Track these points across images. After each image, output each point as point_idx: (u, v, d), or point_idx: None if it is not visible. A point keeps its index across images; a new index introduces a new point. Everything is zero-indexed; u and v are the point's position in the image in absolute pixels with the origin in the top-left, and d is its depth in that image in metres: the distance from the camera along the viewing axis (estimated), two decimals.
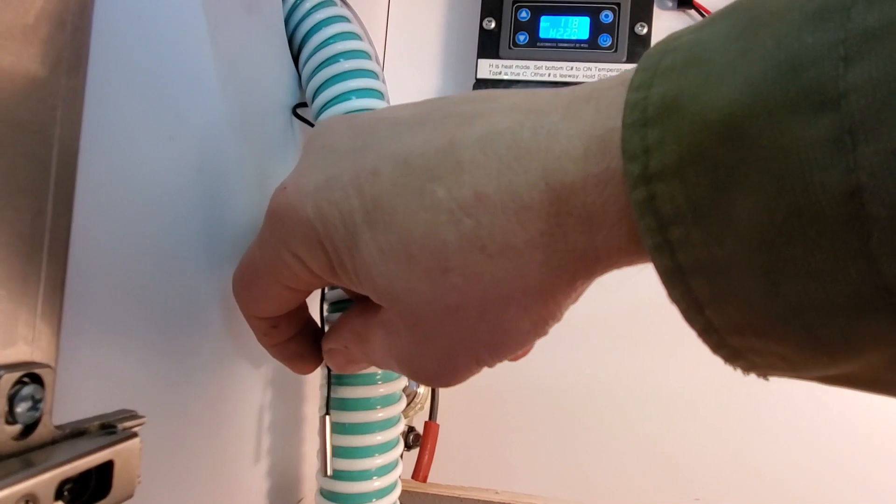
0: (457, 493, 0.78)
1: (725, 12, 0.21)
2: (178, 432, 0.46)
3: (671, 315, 0.76)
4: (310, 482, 0.63)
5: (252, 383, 0.56)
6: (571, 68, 0.75)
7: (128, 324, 0.38)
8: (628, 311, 0.76)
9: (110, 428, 0.28)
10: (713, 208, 0.20)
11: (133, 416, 0.29)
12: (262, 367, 0.57)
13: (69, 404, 0.33)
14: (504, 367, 0.77)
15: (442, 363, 0.30)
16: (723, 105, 0.19)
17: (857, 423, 0.71)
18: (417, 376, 0.33)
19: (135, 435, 0.28)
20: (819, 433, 0.71)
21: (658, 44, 0.23)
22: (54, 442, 0.25)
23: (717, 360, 0.74)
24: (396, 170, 0.26)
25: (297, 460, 0.63)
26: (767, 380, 0.26)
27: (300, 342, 0.43)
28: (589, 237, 0.25)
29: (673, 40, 0.22)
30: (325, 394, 0.54)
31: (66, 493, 0.26)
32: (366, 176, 0.26)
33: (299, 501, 0.66)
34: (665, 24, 0.79)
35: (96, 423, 0.28)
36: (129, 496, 0.28)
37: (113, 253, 0.37)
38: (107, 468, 0.26)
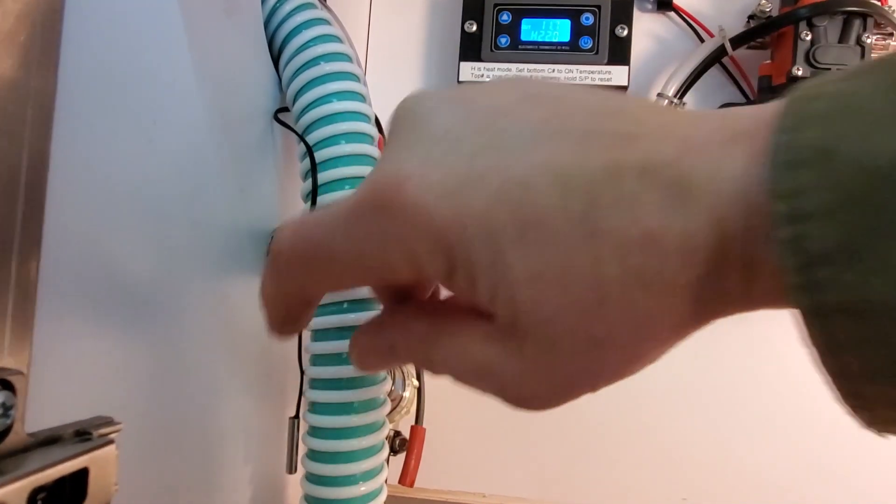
0: (444, 497, 0.78)
1: (871, 67, 0.22)
2: (160, 438, 0.45)
3: None
4: (295, 488, 0.62)
5: (235, 388, 0.56)
6: (553, 70, 0.75)
7: (104, 328, 0.38)
8: None
9: (85, 435, 0.27)
10: (870, 252, 0.20)
11: (109, 422, 0.29)
12: (245, 372, 0.57)
13: (43, 411, 0.33)
14: None
15: (557, 389, 0.29)
16: (887, 152, 0.20)
17: (846, 424, 0.71)
18: (514, 397, 0.30)
19: (111, 442, 0.27)
20: (806, 434, 0.71)
21: (796, 90, 0.23)
22: (26, 450, 0.25)
23: (705, 362, 0.74)
24: (554, 188, 0.24)
25: (282, 466, 0.62)
26: (885, 437, 0.26)
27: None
28: (743, 281, 0.25)
29: (815, 87, 0.23)
30: (298, 396, 0.54)
31: (39, 502, 0.25)
32: (516, 188, 0.24)
33: None
34: (645, 25, 0.80)
35: (71, 429, 0.27)
36: None
37: (89, 257, 0.36)
38: (82, 476, 0.26)
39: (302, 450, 0.55)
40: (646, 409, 0.74)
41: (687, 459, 0.73)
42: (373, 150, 0.55)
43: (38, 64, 0.25)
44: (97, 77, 0.35)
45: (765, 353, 0.73)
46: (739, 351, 0.73)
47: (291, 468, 0.61)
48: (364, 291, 0.53)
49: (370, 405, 0.53)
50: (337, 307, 0.52)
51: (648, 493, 0.74)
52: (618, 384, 0.78)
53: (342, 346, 0.52)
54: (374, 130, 0.56)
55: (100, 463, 0.26)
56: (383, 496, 0.55)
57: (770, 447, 0.72)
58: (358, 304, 0.52)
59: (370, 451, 0.53)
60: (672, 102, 0.72)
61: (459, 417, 0.77)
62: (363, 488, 0.53)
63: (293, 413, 0.61)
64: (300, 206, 0.57)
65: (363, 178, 0.54)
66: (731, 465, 0.73)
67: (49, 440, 0.26)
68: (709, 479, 0.73)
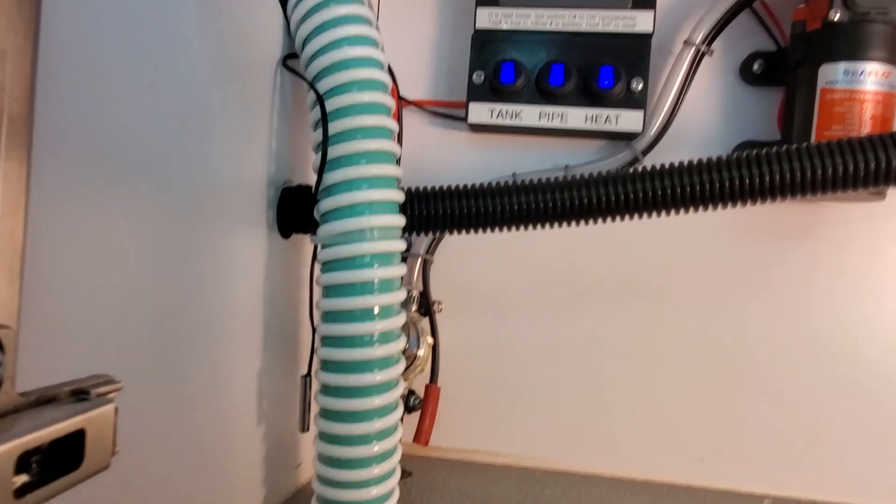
0: (459, 455, 0.77)
1: None
2: (172, 397, 0.44)
3: (675, 276, 0.74)
4: (308, 447, 0.61)
5: (245, 345, 0.54)
6: (574, 16, 0.71)
7: (108, 284, 0.36)
8: (631, 272, 0.74)
9: (82, 394, 0.26)
10: None
11: (108, 381, 0.27)
12: (258, 331, 0.55)
13: (37, 369, 0.31)
14: (505, 329, 0.75)
15: None
16: None
17: (864, 385, 0.69)
18: None
19: (109, 402, 0.26)
20: (823, 395, 0.70)
21: None
22: (17, 410, 0.23)
23: (723, 323, 0.72)
24: None
25: (295, 425, 0.61)
26: None
27: None
28: None
29: None
30: (310, 355, 0.53)
31: (33, 465, 0.24)
32: None
33: (298, 466, 0.65)
34: None
35: (67, 389, 0.26)
36: (105, 466, 0.26)
37: (89, 206, 0.34)
38: (78, 438, 0.24)
39: (315, 409, 0.54)
40: (663, 370, 0.73)
41: (704, 420, 0.72)
42: (387, 99, 0.53)
43: (18, 18, 0.23)
44: (94, 19, 0.32)
45: (782, 316, 0.70)
46: (757, 313, 0.71)
47: (304, 427, 0.60)
48: (389, 245, 0.51)
49: (384, 363, 0.51)
50: (351, 262, 0.50)
51: (666, 454, 0.73)
52: (637, 344, 0.77)
53: (354, 302, 0.50)
54: (387, 78, 0.53)
55: (97, 424, 0.25)
56: (397, 455, 0.54)
57: (787, 408, 0.70)
58: (381, 258, 0.50)
59: (384, 411, 0.52)
60: (699, 50, 0.68)
61: (474, 376, 0.76)
62: (377, 448, 0.51)
63: (305, 371, 0.60)
64: (310, 158, 0.55)
65: (377, 128, 0.52)
66: (749, 425, 0.71)
67: (43, 400, 0.25)
68: (726, 439, 0.71)
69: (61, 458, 0.24)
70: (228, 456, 0.52)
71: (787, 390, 0.71)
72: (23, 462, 0.23)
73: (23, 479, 0.22)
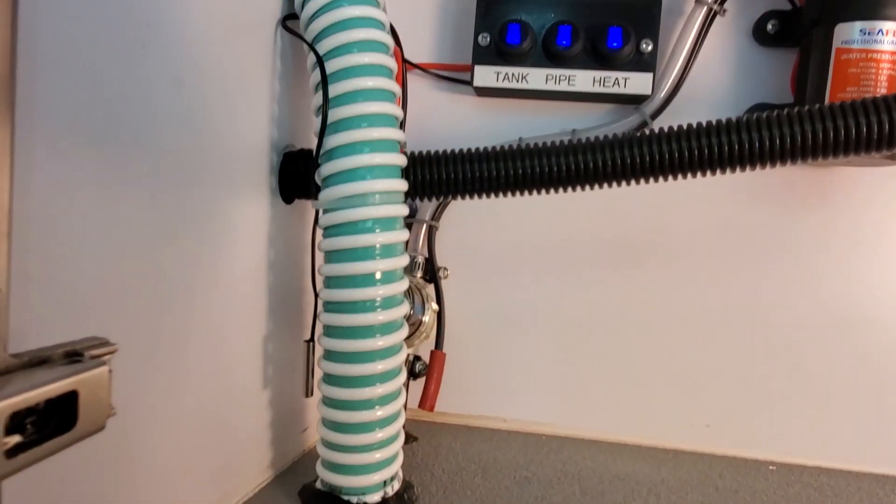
0: (464, 421, 0.77)
1: None
2: (174, 362, 0.44)
3: (684, 241, 0.73)
4: (314, 411, 0.61)
5: (252, 313, 0.54)
6: None
7: (104, 248, 0.36)
8: (639, 237, 0.73)
9: (76, 356, 0.26)
10: None
11: (103, 343, 0.27)
12: (262, 297, 0.55)
13: (32, 330, 0.31)
14: (511, 295, 0.75)
15: None
16: None
17: (870, 352, 0.68)
18: None
19: (103, 364, 0.26)
20: (831, 361, 0.69)
21: None
22: (8, 371, 0.23)
23: (733, 289, 0.71)
24: None
25: (301, 390, 0.62)
26: None
27: None
28: None
29: None
30: (313, 321, 0.53)
31: (28, 427, 0.24)
32: None
33: (304, 430, 0.65)
34: None
35: (60, 350, 0.26)
36: (100, 428, 0.26)
37: (82, 168, 0.34)
38: (71, 399, 0.24)
39: (318, 374, 0.54)
40: (668, 337, 0.72)
41: (710, 386, 0.72)
42: (388, 61, 0.52)
43: None
44: None
45: (793, 281, 0.69)
46: (767, 278, 0.70)
47: (308, 392, 0.60)
48: (391, 210, 0.50)
49: (386, 329, 0.51)
50: (353, 226, 0.50)
51: (671, 420, 0.72)
52: (641, 311, 0.76)
53: (356, 268, 0.50)
54: (389, 39, 0.52)
55: (90, 386, 0.25)
56: (401, 420, 0.55)
57: (795, 374, 0.70)
58: (383, 222, 0.50)
59: (387, 376, 0.52)
60: (711, 9, 0.66)
61: (480, 342, 0.76)
62: (380, 413, 0.52)
63: (308, 337, 0.60)
64: (311, 121, 0.54)
65: (378, 90, 0.51)
66: (756, 391, 0.71)
67: (35, 362, 0.25)
68: (732, 405, 0.71)
69: (56, 420, 0.24)
70: (234, 420, 0.53)
71: (797, 356, 0.70)
72: (17, 423, 0.23)
73: (15, 439, 0.22)
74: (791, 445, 0.70)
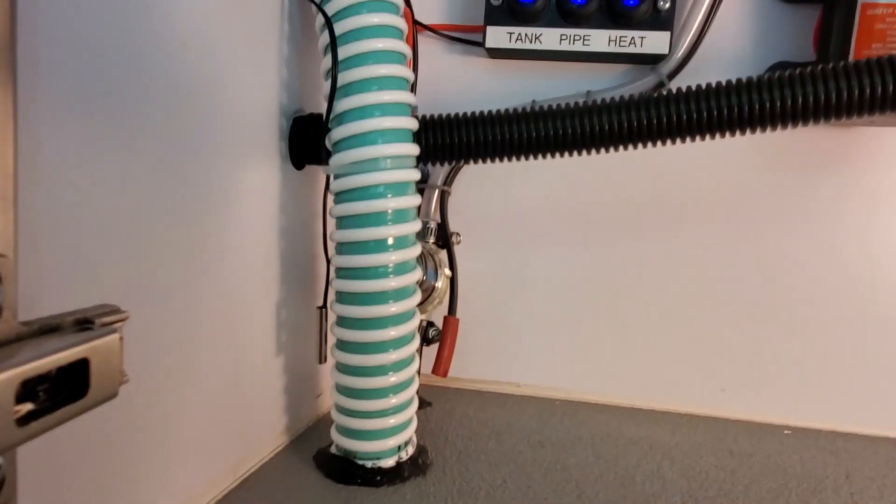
0: (478, 387, 0.77)
1: None
2: (188, 329, 0.44)
3: (700, 205, 0.72)
4: (327, 377, 0.62)
5: (265, 280, 0.54)
6: None
7: (112, 214, 0.35)
8: (654, 201, 0.72)
9: (86, 324, 0.26)
10: None
11: (114, 310, 0.27)
12: (274, 264, 0.55)
13: (43, 298, 0.31)
14: (524, 260, 0.75)
15: None
16: None
17: (889, 316, 0.68)
18: None
19: (113, 331, 0.25)
20: (847, 325, 0.68)
21: None
22: (19, 339, 0.23)
23: (749, 252, 0.70)
24: None
25: (314, 356, 0.62)
26: None
27: None
28: None
29: None
30: (325, 287, 0.53)
31: (40, 394, 0.24)
32: None
33: (318, 396, 0.66)
34: None
35: (71, 318, 0.25)
36: (112, 395, 0.26)
37: (88, 134, 0.33)
38: (82, 367, 0.24)
39: (331, 340, 0.54)
40: (683, 301, 0.71)
41: (726, 350, 0.71)
42: (398, 22, 0.50)
43: None
44: None
45: (810, 244, 0.68)
46: (783, 242, 0.69)
47: (321, 358, 0.60)
48: (402, 174, 0.49)
49: (399, 295, 0.51)
50: (364, 192, 0.49)
51: (686, 384, 0.72)
52: (656, 275, 0.75)
53: (368, 233, 0.49)
54: None
55: (101, 353, 0.25)
56: (415, 386, 0.55)
57: (811, 338, 0.69)
58: (395, 187, 0.49)
59: (400, 342, 0.52)
60: None
61: (493, 307, 0.76)
62: (393, 378, 0.52)
63: (321, 303, 0.60)
64: (321, 85, 0.53)
65: (388, 52, 0.49)
66: (771, 355, 0.70)
67: (45, 329, 0.24)
68: (748, 369, 0.71)
69: (67, 388, 0.24)
70: (248, 387, 0.53)
71: (814, 320, 0.69)
72: (29, 391, 0.23)
73: (27, 407, 0.22)
74: (806, 409, 0.70)
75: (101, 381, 0.25)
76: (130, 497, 0.40)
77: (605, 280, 0.73)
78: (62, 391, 0.24)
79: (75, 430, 0.35)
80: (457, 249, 0.72)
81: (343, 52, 0.49)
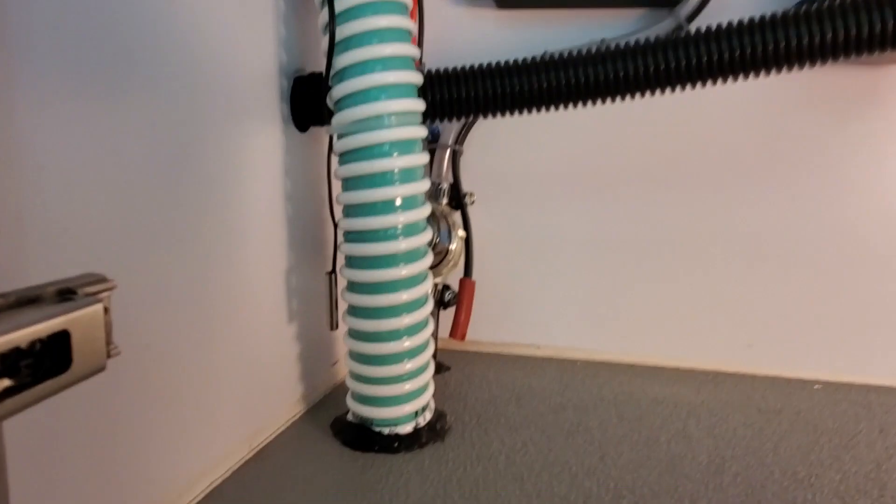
0: (497, 349, 0.76)
1: None
2: (193, 298, 0.43)
3: (722, 154, 0.68)
4: (342, 344, 0.61)
5: (272, 246, 0.53)
6: None
7: (104, 182, 0.34)
8: (674, 153, 0.69)
9: (68, 294, 0.24)
10: None
11: (99, 279, 0.25)
12: (281, 229, 0.54)
13: (39, 271, 0.30)
14: (541, 218, 0.72)
15: None
16: None
17: None
18: None
19: (97, 301, 0.24)
20: (879, 274, 0.65)
21: None
22: None
23: (775, 203, 0.67)
24: None
25: (326, 323, 0.61)
26: None
27: None
28: None
29: None
30: (334, 251, 0.51)
31: (22, 369, 0.22)
32: None
33: (334, 364, 0.65)
34: None
35: (51, 289, 0.24)
36: (99, 369, 0.24)
37: (74, 99, 0.32)
38: (63, 339, 0.23)
39: (343, 306, 0.53)
40: (706, 256, 0.69)
41: (752, 305, 0.69)
42: None
43: None
44: None
45: (839, 192, 0.65)
46: (811, 191, 0.66)
47: (333, 325, 0.59)
48: (408, 132, 0.47)
49: (409, 257, 0.49)
50: (369, 151, 0.47)
51: (711, 341, 0.70)
52: (677, 230, 0.72)
53: (374, 194, 0.47)
54: None
55: (84, 325, 0.23)
56: (430, 350, 0.53)
57: (841, 289, 0.66)
58: (401, 145, 0.47)
59: (413, 306, 0.50)
60: None
61: (510, 269, 0.74)
62: (407, 343, 0.50)
63: (330, 268, 0.58)
64: (319, 41, 0.51)
65: (388, 2, 0.47)
66: (798, 309, 0.68)
67: (24, 301, 0.23)
68: (775, 323, 0.68)
69: (49, 362, 0.23)
70: (262, 356, 0.52)
71: (844, 271, 0.67)
72: (10, 366, 0.22)
73: (5, 383, 0.21)
74: (837, 363, 0.67)
75: (85, 355, 0.23)
76: (142, 469, 0.39)
77: (625, 236, 0.71)
78: (44, 366, 0.23)
79: (85, 403, 0.35)
80: (471, 210, 0.70)
81: (340, 3, 0.46)
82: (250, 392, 0.51)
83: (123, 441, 0.38)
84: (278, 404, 0.55)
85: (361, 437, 0.52)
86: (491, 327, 0.75)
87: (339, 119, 0.48)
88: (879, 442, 0.53)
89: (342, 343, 0.61)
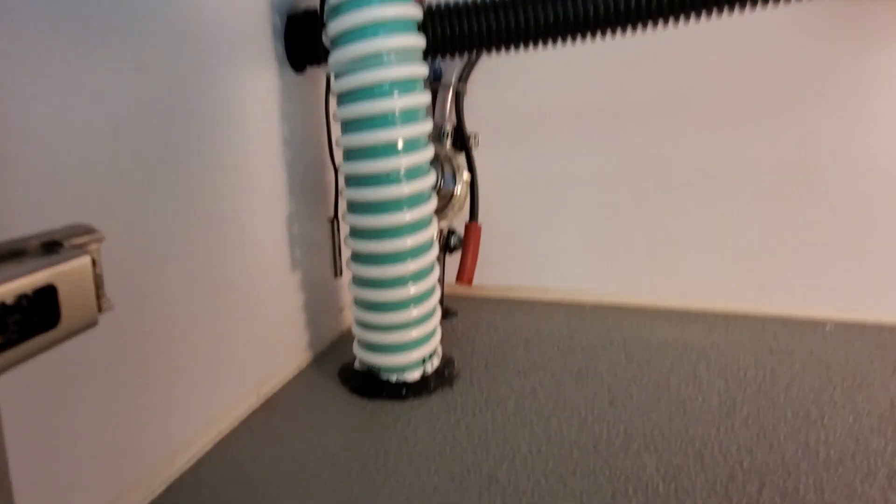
0: (505, 294, 0.75)
1: None
2: (191, 247, 0.42)
3: (733, 90, 0.65)
4: (348, 292, 0.60)
5: (272, 192, 0.51)
6: None
7: (90, 128, 0.32)
8: (684, 89, 0.66)
9: (54, 246, 0.23)
10: None
11: (86, 230, 0.24)
12: (281, 175, 0.52)
13: (25, 223, 0.29)
14: (548, 159, 0.70)
15: None
16: None
17: None
18: None
19: (84, 253, 0.23)
20: (890, 211, 0.64)
21: None
22: None
23: (787, 140, 0.64)
24: None
25: (330, 270, 0.60)
26: None
27: None
28: None
29: None
30: (334, 198, 0.49)
31: (10, 326, 0.21)
32: None
33: (340, 311, 0.64)
34: None
35: (36, 241, 0.23)
36: (91, 324, 0.23)
37: (53, 42, 0.30)
38: (49, 294, 0.21)
39: (346, 252, 0.52)
40: (716, 195, 0.67)
41: (763, 245, 0.67)
42: None
43: None
44: None
45: (855, 129, 0.63)
46: (825, 127, 0.63)
47: (337, 272, 0.58)
48: (408, 70, 0.45)
49: (413, 201, 0.47)
50: (368, 91, 0.45)
51: (722, 282, 0.69)
52: (687, 169, 0.69)
53: (375, 137, 0.46)
54: None
55: (71, 278, 0.22)
56: (437, 296, 0.52)
57: (854, 227, 0.65)
58: (401, 84, 0.45)
59: (417, 251, 0.49)
60: None
61: (517, 211, 0.72)
62: (413, 290, 0.49)
63: (331, 214, 0.57)
64: None
65: None
66: (810, 248, 0.66)
67: (7, 255, 0.22)
68: (787, 263, 0.67)
69: (37, 318, 0.22)
70: (267, 304, 0.51)
71: (857, 208, 0.65)
72: None
73: None
74: (850, 302, 0.66)
75: (74, 309, 0.22)
76: (149, 420, 0.39)
77: (634, 176, 0.69)
78: (31, 321, 0.21)
79: (91, 355, 0.34)
80: (476, 152, 0.68)
81: None
82: (256, 341, 0.50)
83: (132, 393, 0.37)
84: (285, 353, 0.55)
85: (369, 385, 0.51)
86: (498, 271, 0.74)
87: (335, 57, 0.45)
88: (893, 381, 0.52)
89: (347, 291, 0.61)
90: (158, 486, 0.40)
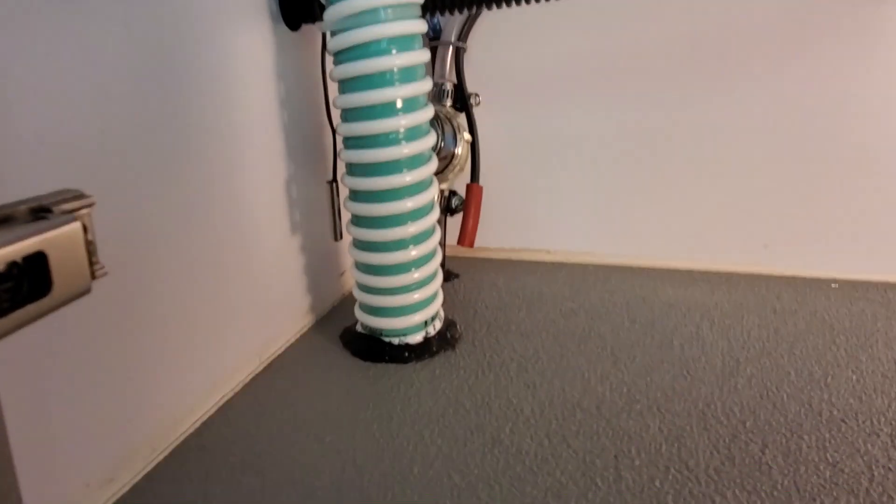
0: (507, 255, 0.75)
1: None
2: (186, 211, 0.41)
3: (738, 46, 0.63)
4: (349, 255, 0.59)
5: (270, 154, 0.50)
6: None
7: (77, 88, 0.31)
8: (688, 45, 0.64)
9: (43, 212, 0.22)
10: None
11: (76, 196, 0.23)
12: (278, 136, 0.51)
13: (14, 188, 0.28)
14: (550, 118, 0.69)
15: None
16: None
17: None
18: None
19: (73, 219, 0.22)
20: (887, 175, 0.62)
21: None
22: None
23: (785, 96, 0.63)
24: None
25: (330, 233, 0.59)
26: None
27: None
28: None
29: None
30: (333, 160, 0.48)
31: (1, 294, 0.21)
32: None
33: (341, 274, 0.64)
34: None
35: (24, 207, 0.22)
36: (84, 291, 0.23)
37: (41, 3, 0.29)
38: (39, 261, 0.21)
39: (346, 215, 0.51)
40: (718, 154, 0.66)
41: (767, 204, 0.66)
42: None
43: None
44: None
45: (856, 85, 0.61)
46: (826, 83, 0.62)
47: (337, 235, 0.57)
48: (406, 26, 0.44)
49: (413, 163, 0.47)
50: (365, 49, 0.44)
51: (725, 242, 0.68)
52: (689, 129, 0.68)
53: (373, 96, 0.44)
54: None
55: (61, 245, 0.21)
56: (438, 258, 0.52)
57: (860, 185, 0.64)
58: (399, 42, 0.44)
59: (418, 213, 0.48)
60: None
61: (519, 172, 0.71)
62: (414, 252, 0.49)
63: (330, 177, 0.56)
64: None
65: None
66: (814, 207, 0.65)
67: None
68: (792, 222, 0.66)
69: (28, 286, 0.21)
70: (266, 269, 0.51)
71: (862, 164, 0.64)
72: None
73: None
74: (855, 261, 0.66)
75: (66, 277, 0.22)
76: (152, 385, 0.39)
77: (637, 135, 0.68)
78: (23, 290, 0.21)
79: (91, 322, 0.34)
80: (476, 111, 0.67)
81: None
82: (258, 305, 0.50)
83: (134, 359, 0.37)
84: (287, 317, 0.54)
85: (371, 348, 0.51)
86: (500, 233, 0.74)
87: (331, 14, 0.44)
88: None
89: (348, 254, 0.60)
90: (163, 450, 0.40)
